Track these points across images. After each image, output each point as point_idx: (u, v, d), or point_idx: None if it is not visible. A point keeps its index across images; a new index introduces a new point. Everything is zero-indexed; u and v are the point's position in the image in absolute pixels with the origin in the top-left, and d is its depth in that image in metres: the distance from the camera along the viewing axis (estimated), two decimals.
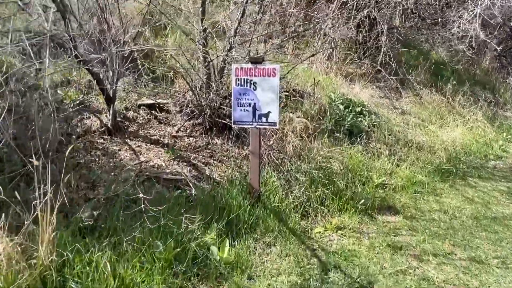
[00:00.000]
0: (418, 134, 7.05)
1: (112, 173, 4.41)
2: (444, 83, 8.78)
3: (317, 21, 5.73)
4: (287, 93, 6.15)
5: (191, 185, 4.39)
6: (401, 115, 7.79)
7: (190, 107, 5.35)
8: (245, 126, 4.29)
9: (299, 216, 4.15)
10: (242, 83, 4.06)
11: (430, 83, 8.91)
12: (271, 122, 4.07)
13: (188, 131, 5.37)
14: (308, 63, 7.47)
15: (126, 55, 4.79)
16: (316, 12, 6.31)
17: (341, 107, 6.38)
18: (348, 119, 6.11)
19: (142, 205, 2.97)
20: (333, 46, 7.63)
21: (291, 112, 5.99)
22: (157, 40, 6.41)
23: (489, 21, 8.04)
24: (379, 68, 7.55)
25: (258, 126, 4.10)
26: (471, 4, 6.32)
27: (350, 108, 6.57)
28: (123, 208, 3.79)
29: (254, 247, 3.66)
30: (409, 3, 7.15)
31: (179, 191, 4.24)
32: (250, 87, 4.05)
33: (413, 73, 8.74)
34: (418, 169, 5.48)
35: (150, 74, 5.14)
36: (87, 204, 3.76)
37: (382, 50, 7.39)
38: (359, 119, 6.52)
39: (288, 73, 5.77)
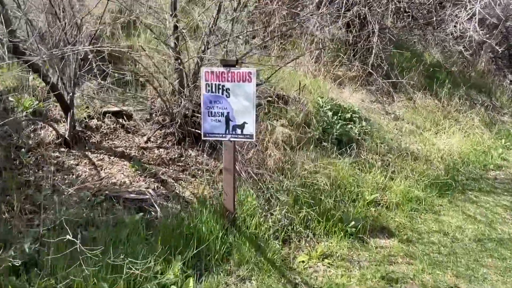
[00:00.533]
0: (412, 142, 6.55)
1: (66, 193, 3.83)
2: (438, 86, 8.31)
3: (302, 19, 5.20)
4: (270, 99, 5.61)
5: (156, 206, 3.83)
6: (393, 121, 7.29)
7: (160, 115, 4.79)
8: (217, 139, 3.74)
9: (280, 242, 3.60)
10: (213, 89, 3.51)
11: (424, 86, 8.44)
12: (247, 135, 3.52)
13: (158, 141, 4.81)
14: (294, 65, 6.95)
15: (85, 56, 4.23)
16: (298, 9, 5.78)
17: (330, 113, 5.86)
18: (337, 127, 5.59)
19: (78, 245, 2.40)
20: (321, 47, 7.12)
21: (275, 119, 5.47)
22: (128, 40, 5.84)
23: (490, 19, 7.59)
24: (370, 70, 7.05)
25: (232, 139, 3.55)
26: (469, 2, 5.84)
27: (339, 115, 6.06)
28: (71, 237, 3.23)
29: (226, 283, 3.11)
30: (402, 1, 6.66)
31: (141, 214, 3.67)
32: (222, 94, 3.51)
33: (406, 75, 8.28)
34: (413, 182, 4.96)
35: (113, 77, 4.56)
36: (27, 234, 3.18)
37: (374, 51, 6.89)
38: (349, 126, 6.01)
39: (271, 76, 5.24)
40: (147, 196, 3.93)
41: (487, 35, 8.29)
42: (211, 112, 3.55)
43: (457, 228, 4.24)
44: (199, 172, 4.52)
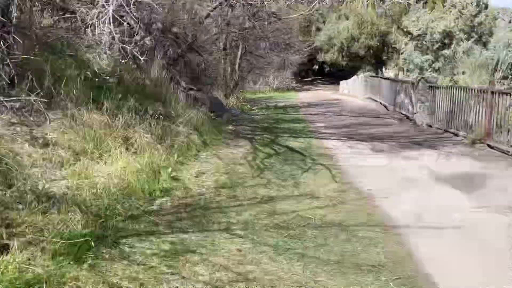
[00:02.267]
0: (62, 176, 5.03)
1: None
2: (106, 98, 7.12)
3: None
4: None
5: None
6: (43, 148, 5.56)
7: None
8: None
9: None
10: None
11: (90, 99, 7.06)
12: None
13: None
14: None
15: None
16: None
17: None
18: None
19: None
20: None
21: None
22: None
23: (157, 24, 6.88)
24: None
25: None
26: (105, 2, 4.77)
27: None
28: None
29: None
30: None
31: None
32: None
33: (66, 86, 6.70)
34: (38, 252, 3.40)
35: None
36: None
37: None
38: None
39: None
40: None
41: (155, 42, 7.75)
42: None
43: None
44: None
